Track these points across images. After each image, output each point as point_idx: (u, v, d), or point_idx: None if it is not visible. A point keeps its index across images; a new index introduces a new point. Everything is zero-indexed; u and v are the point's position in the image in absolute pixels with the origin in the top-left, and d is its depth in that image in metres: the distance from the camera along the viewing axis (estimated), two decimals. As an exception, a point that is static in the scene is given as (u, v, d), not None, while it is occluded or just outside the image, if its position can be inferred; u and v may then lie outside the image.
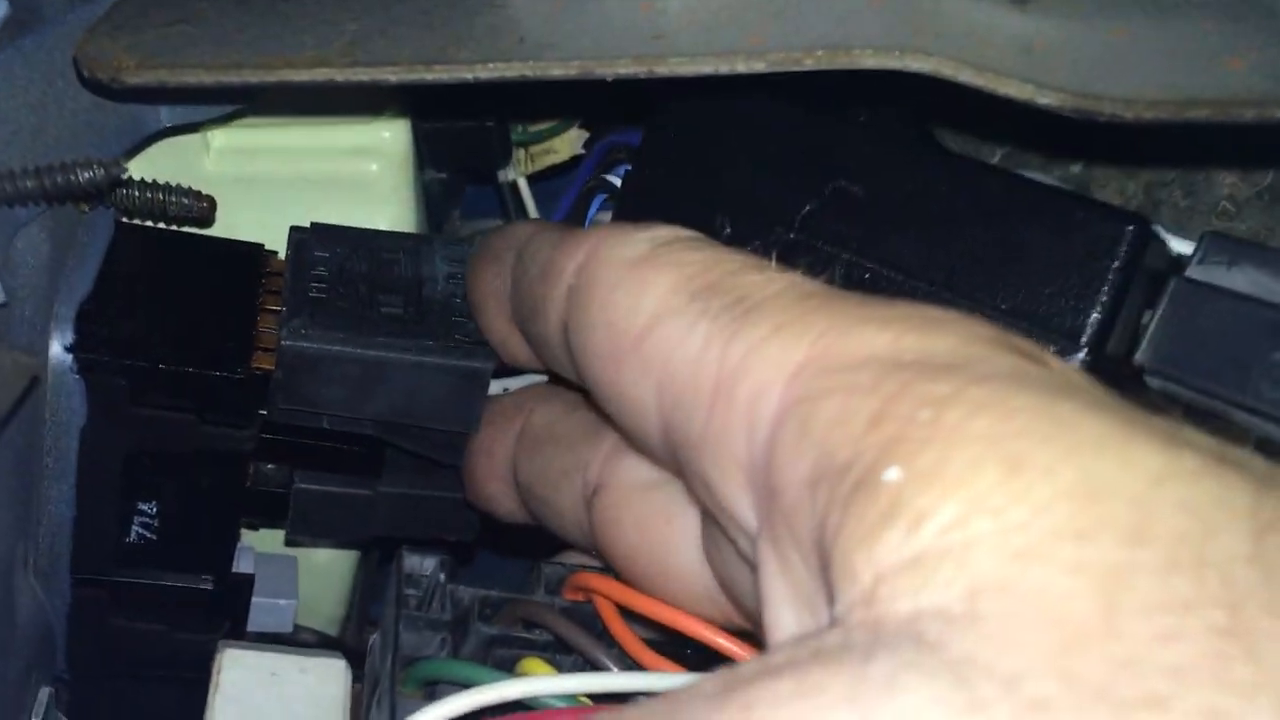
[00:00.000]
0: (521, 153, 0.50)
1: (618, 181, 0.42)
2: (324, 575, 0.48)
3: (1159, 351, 0.30)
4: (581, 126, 0.50)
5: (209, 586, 0.38)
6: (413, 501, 0.40)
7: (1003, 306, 0.30)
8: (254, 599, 0.40)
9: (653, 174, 0.37)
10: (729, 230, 0.34)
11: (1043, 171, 0.51)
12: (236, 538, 0.39)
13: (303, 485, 0.39)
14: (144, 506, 0.36)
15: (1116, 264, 0.29)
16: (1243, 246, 0.30)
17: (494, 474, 0.35)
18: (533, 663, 0.29)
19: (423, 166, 0.45)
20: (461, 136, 0.44)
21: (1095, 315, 0.29)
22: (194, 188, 0.37)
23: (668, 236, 0.26)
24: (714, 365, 0.22)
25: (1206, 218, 0.46)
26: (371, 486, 0.40)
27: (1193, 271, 0.30)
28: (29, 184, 0.28)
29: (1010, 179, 0.31)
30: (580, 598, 0.32)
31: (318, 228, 0.39)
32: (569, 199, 0.43)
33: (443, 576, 0.32)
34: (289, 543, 0.41)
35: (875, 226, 0.32)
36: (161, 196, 0.35)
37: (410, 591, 0.31)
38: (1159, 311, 0.30)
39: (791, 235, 0.33)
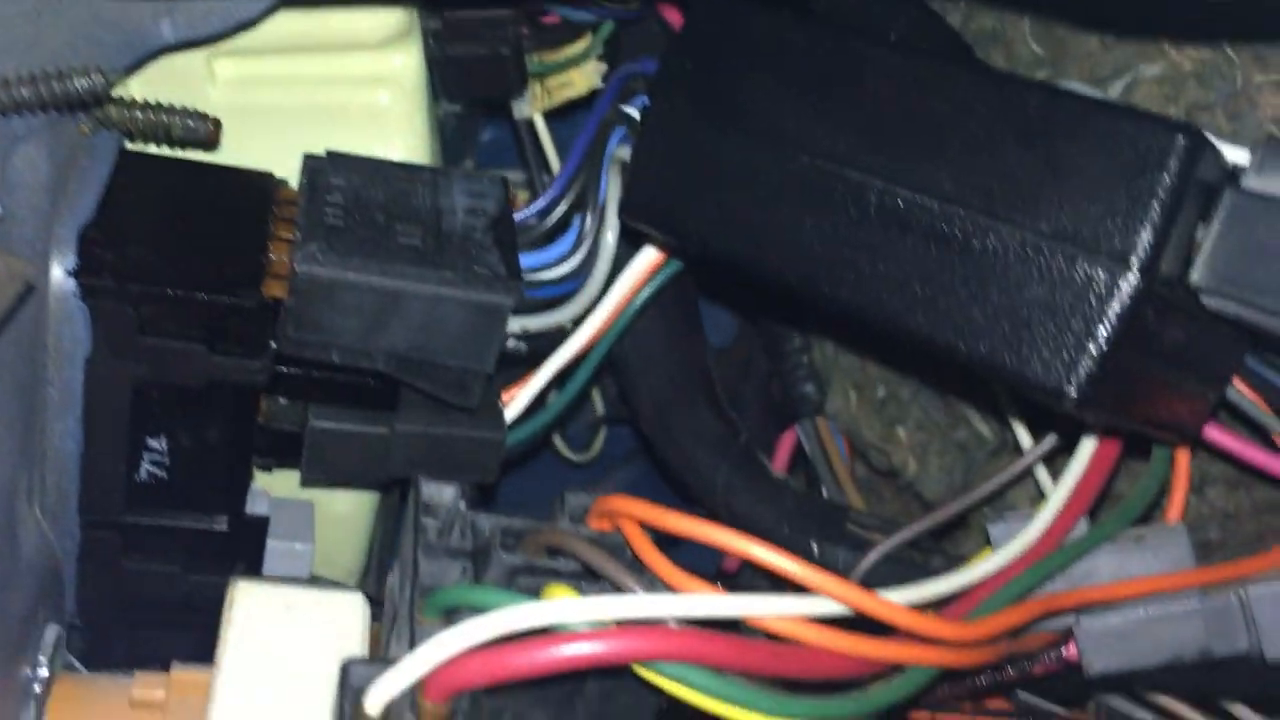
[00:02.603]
0: (538, 88, 0.48)
1: (637, 114, 0.40)
2: (341, 523, 0.46)
3: (1216, 270, 0.28)
4: (599, 59, 0.48)
5: (223, 528, 0.37)
6: (431, 441, 0.39)
7: (1045, 229, 0.28)
8: (270, 543, 0.39)
9: (672, 103, 0.35)
10: (752, 160, 0.33)
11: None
12: (250, 476, 0.38)
13: (317, 423, 0.38)
14: (154, 443, 0.35)
15: (1167, 178, 0.27)
16: None
17: None
18: (558, 589, 0.27)
19: (436, 98, 0.44)
20: (476, 64, 0.43)
21: (1146, 234, 0.27)
22: (200, 112, 0.36)
23: None
24: None
25: (1250, 142, 0.44)
26: (389, 425, 0.38)
27: (1250, 182, 0.28)
28: (24, 92, 0.27)
29: (1050, 92, 0.29)
30: (607, 525, 0.31)
31: (333, 155, 0.38)
32: (587, 134, 0.41)
33: (462, 505, 0.31)
34: (305, 484, 0.39)
35: (907, 151, 0.30)
36: (165, 118, 0.34)
37: (428, 520, 0.30)
38: (1214, 227, 0.28)
39: (818, 163, 0.31)
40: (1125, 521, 0.35)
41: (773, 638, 0.28)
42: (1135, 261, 0.27)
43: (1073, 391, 0.27)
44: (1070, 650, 0.35)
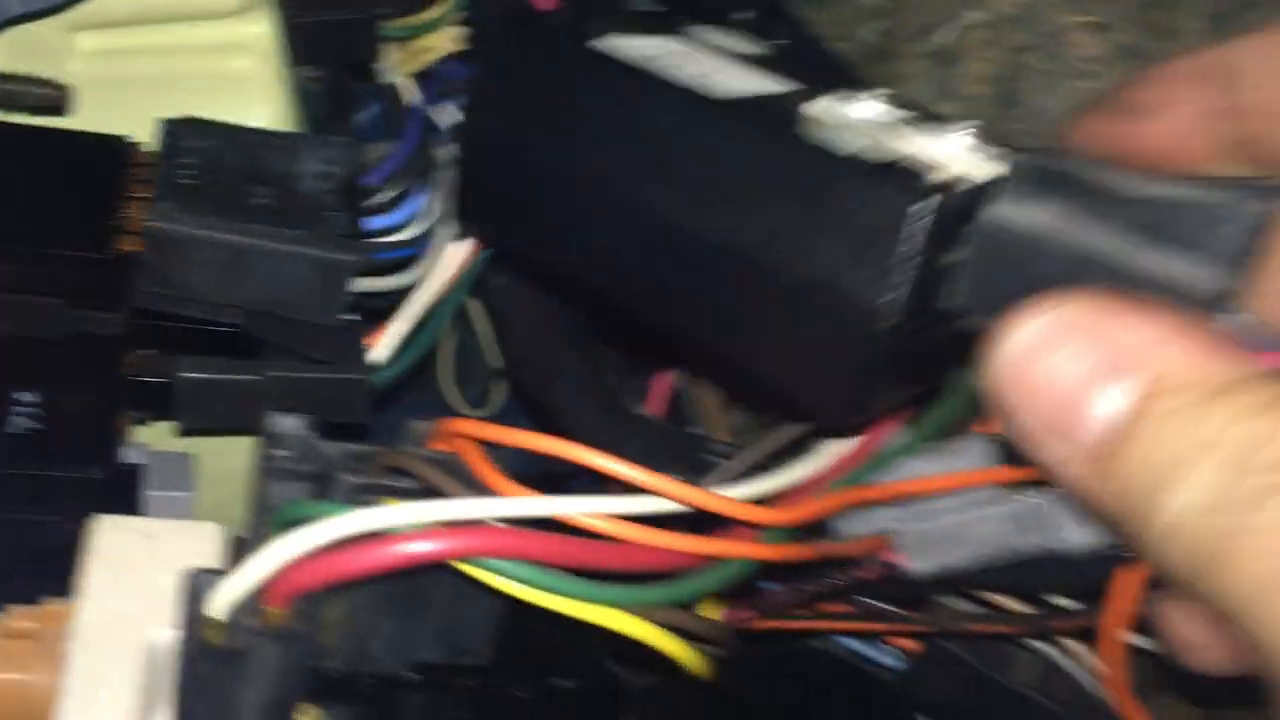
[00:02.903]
0: (401, 53, 0.51)
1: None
2: (232, 478, 0.48)
3: (967, 296, 0.30)
4: (461, 22, 0.50)
5: (98, 475, 0.39)
6: (299, 384, 0.41)
7: (810, 277, 0.30)
8: (149, 493, 0.41)
9: (488, 125, 0.35)
10: (564, 194, 0.34)
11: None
12: (120, 426, 0.40)
13: (185, 374, 0.40)
14: (23, 395, 0.37)
15: (912, 238, 0.29)
16: (1060, 179, 0.29)
17: None
18: (392, 502, 0.30)
19: (295, 65, 0.46)
20: (328, 30, 0.45)
21: (892, 287, 0.29)
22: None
23: None
24: None
25: (1068, 79, 0.47)
26: (258, 370, 0.40)
27: (1000, 207, 0.29)
28: None
29: (820, 155, 0.30)
30: (447, 446, 0.33)
31: (190, 120, 0.40)
32: (418, 110, 0.43)
33: (309, 433, 0.33)
34: (183, 433, 0.41)
35: (695, 191, 0.32)
36: (15, 86, 0.36)
37: (276, 450, 0.32)
38: (969, 254, 0.30)
39: (620, 196, 0.33)
40: (937, 430, 0.38)
41: (593, 536, 0.30)
42: (883, 310, 0.29)
43: (844, 421, 0.32)
44: (892, 555, 0.38)
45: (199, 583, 0.28)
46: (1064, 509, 0.36)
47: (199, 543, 0.32)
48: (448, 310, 0.43)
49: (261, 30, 0.44)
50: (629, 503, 0.31)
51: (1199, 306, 0.27)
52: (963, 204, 0.30)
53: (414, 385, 0.62)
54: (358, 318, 0.45)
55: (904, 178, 0.29)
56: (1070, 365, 0.25)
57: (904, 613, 0.41)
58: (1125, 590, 0.34)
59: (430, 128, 0.41)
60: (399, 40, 0.49)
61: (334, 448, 0.33)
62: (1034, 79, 0.50)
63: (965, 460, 0.38)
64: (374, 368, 0.42)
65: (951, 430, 0.40)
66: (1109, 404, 0.25)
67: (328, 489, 0.32)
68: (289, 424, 0.33)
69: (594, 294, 0.35)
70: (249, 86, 0.44)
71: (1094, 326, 0.25)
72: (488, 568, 0.29)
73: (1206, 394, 0.24)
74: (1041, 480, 0.37)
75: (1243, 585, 0.22)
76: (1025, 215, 0.29)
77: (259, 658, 0.28)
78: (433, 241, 0.41)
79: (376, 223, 0.40)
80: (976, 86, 0.50)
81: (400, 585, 0.31)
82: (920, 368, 0.33)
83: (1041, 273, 0.28)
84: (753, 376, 0.33)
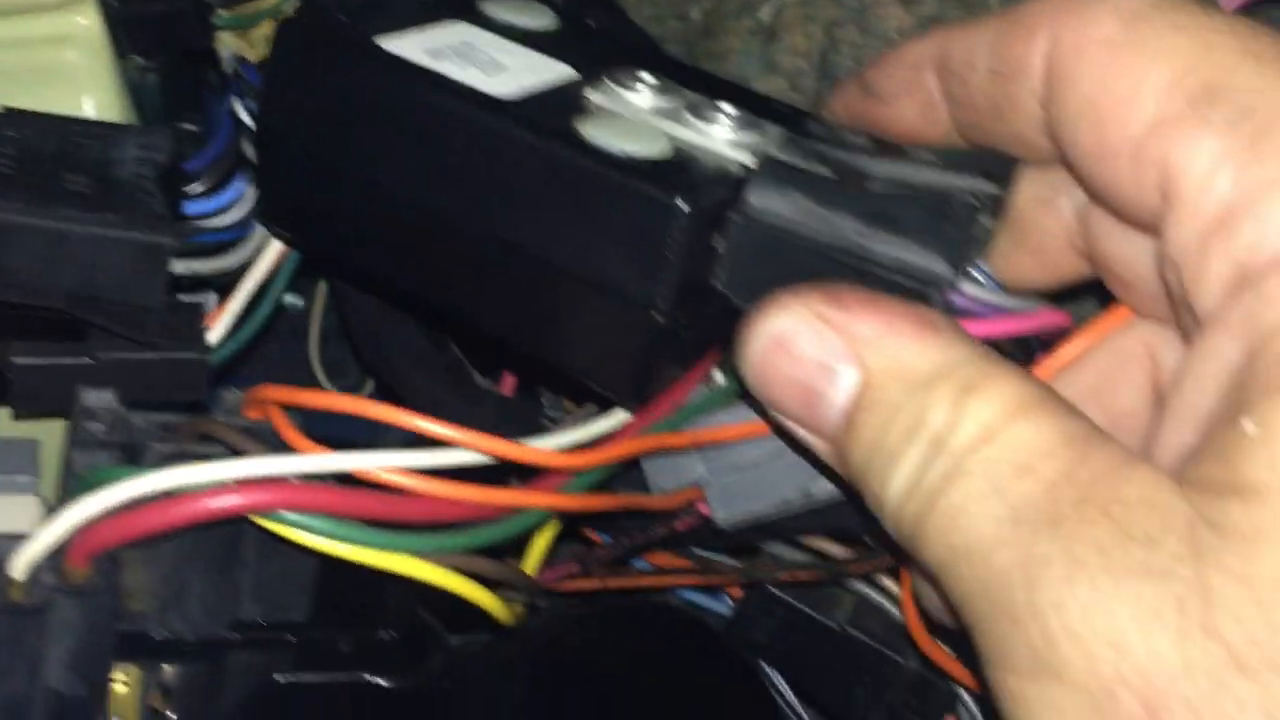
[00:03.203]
0: (243, 41, 0.52)
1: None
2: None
3: (731, 280, 0.32)
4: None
5: (-70, 460, 0.39)
6: (134, 366, 0.42)
7: (587, 276, 0.32)
8: (-10, 478, 0.42)
9: (279, 128, 0.37)
10: (354, 196, 0.35)
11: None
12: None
13: (16, 359, 0.40)
14: None
15: (672, 237, 0.31)
16: (794, 176, 0.32)
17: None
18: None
19: (124, 55, 0.47)
20: (155, 20, 0.46)
21: (660, 279, 0.31)
22: None
23: (1131, 7, 0.26)
24: (1220, 194, 0.24)
25: (879, 50, 0.49)
26: (91, 354, 0.41)
27: (752, 198, 0.32)
28: None
29: (592, 157, 0.31)
30: (260, 414, 0.35)
31: (9, 111, 0.41)
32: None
33: (119, 406, 0.34)
34: (17, 417, 0.42)
35: (475, 193, 0.33)
36: None
37: (88, 424, 0.34)
38: (726, 242, 0.32)
39: (403, 196, 0.34)
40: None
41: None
42: (655, 301, 0.32)
43: (632, 399, 0.34)
44: (703, 506, 0.40)
45: (1, 547, 0.29)
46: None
47: (15, 514, 0.33)
48: (279, 286, 0.44)
49: (88, 22, 0.44)
50: (424, 456, 0.32)
51: (932, 288, 0.29)
52: (722, 197, 0.32)
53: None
54: (201, 302, 0.47)
55: (668, 179, 0.31)
56: (805, 358, 0.28)
57: (725, 562, 0.44)
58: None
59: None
60: (236, 29, 0.50)
61: (144, 418, 0.34)
62: (847, 51, 0.53)
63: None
64: (210, 348, 0.43)
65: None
66: (839, 394, 0.27)
67: (137, 458, 0.33)
68: (99, 398, 0.34)
69: (395, 292, 0.37)
70: (77, 79, 0.45)
71: (825, 321, 0.28)
72: (287, 522, 0.30)
73: (916, 383, 0.26)
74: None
75: (937, 557, 0.25)
76: (772, 206, 0.31)
77: (60, 614, 0.29)
78: (258, 228, 0.42)
79: (200, 207, 0.42)
80: (795, 60, 0.52)
81: (210, 545, 0.33)
82: (706, 337, 0.35)
83: (790, 260, 0.31)
84: (546, 363, 0.35)
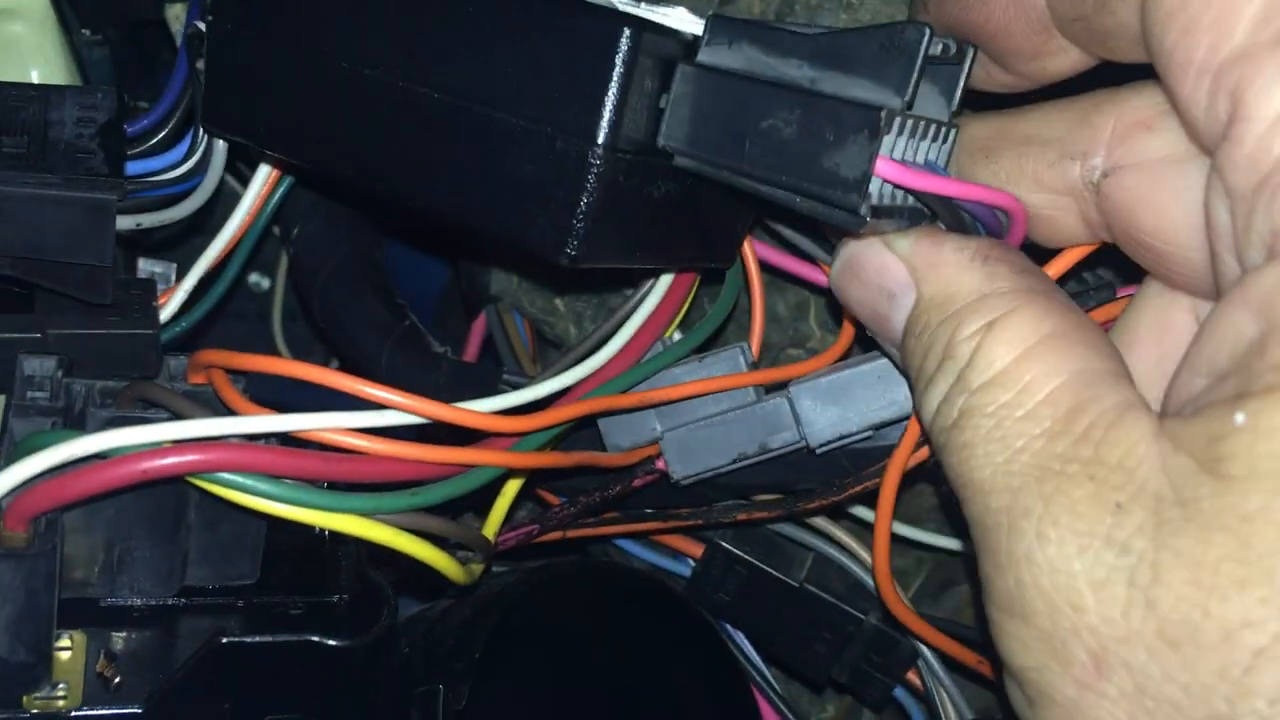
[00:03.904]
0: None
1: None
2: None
3: (674, 134, 0.32)
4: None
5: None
6: (86, 340, 0.42)
7: (531, 114, 0.32)
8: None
9: (227, 17, 0.37)
10: (300, 67, 0.35)
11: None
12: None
13: (-37, 333, 0.40)
14: None
15: (615, 65, 0.31)
16: (742, 26, 0.32)
17: None
18: (132, 428, 0.31)
19: (72, 28, 0.46)
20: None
21: (603, 113, 0.31)
22: None
23: None
24: None
25: (835, 13, 0.49)
26: (40, 329, 0.41)
27: (700, 54, 0.32)
28: None
29: None
30: (203, 379, 0.35)
31: (-59, 79, 0.40)
32: (181, 49, 0.43)
33: (60, 373, 0.34)
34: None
35: (421, 51, 0.33)
36: None
37: (34, 394, 0.33)
38: (671, 97, 0.32)
39: (349, 66, 0.34)
40: (696, 343, 0.40)
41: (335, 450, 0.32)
42: (597, 135, 0.31)
43: (570, 251, 0.32)
44: (660, 462, 0.40)
45: (-62, 514, 0.29)
46: (807, 406, 0.38)
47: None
48: (238, 261, 0.44)
49: (34, -7, 0.44)
50: (366, 417, 0.32)
51: (879, 121, 0.29)
52: (669, 48, 0.32)
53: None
54: (153, 278, 0.46)
55: (615, 15, 0.31)
56: (871, 282, 0.32)
57: (679, 512, 0.43)
58: (890, 483, 0.37)
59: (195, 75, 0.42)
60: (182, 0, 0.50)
61: (84, 385, 0.34)
62: (801, 12, 0.52)
63: (719, 369, 0.40)
64: (165, 322, 0.43)
65: (715, 342, 0.42)
66: (898, 316, 0.31)
67: (78, 424, 0.33)
68: (40, 365, 0.34)
69: (335, 174, 0.36)
70: (25, 51, 0.44)
71: (890, 249, 0.31)
72: (228, 484, 0.30)
73: (951, 312, 0.29)
74: (785, 382, 0.39)
75: (953, 484, 0.28)
76: (721, 61, 0.32)
77: (-3, 578, 0.29)
78: (207, 176, 0.42)
79: (148, 165, 0.41)
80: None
81: (154, 511, 0.33)
82: (643, 224, 0.34)
83: (737, 112, 0.31)
84: (481, 226, 0.34)
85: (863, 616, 0.43)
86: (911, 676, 0.44)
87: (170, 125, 0.42)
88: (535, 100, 0.32)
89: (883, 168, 0.29)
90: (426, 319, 0.52)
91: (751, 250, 0.40)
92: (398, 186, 0.34)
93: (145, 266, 0.48)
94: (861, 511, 0.44)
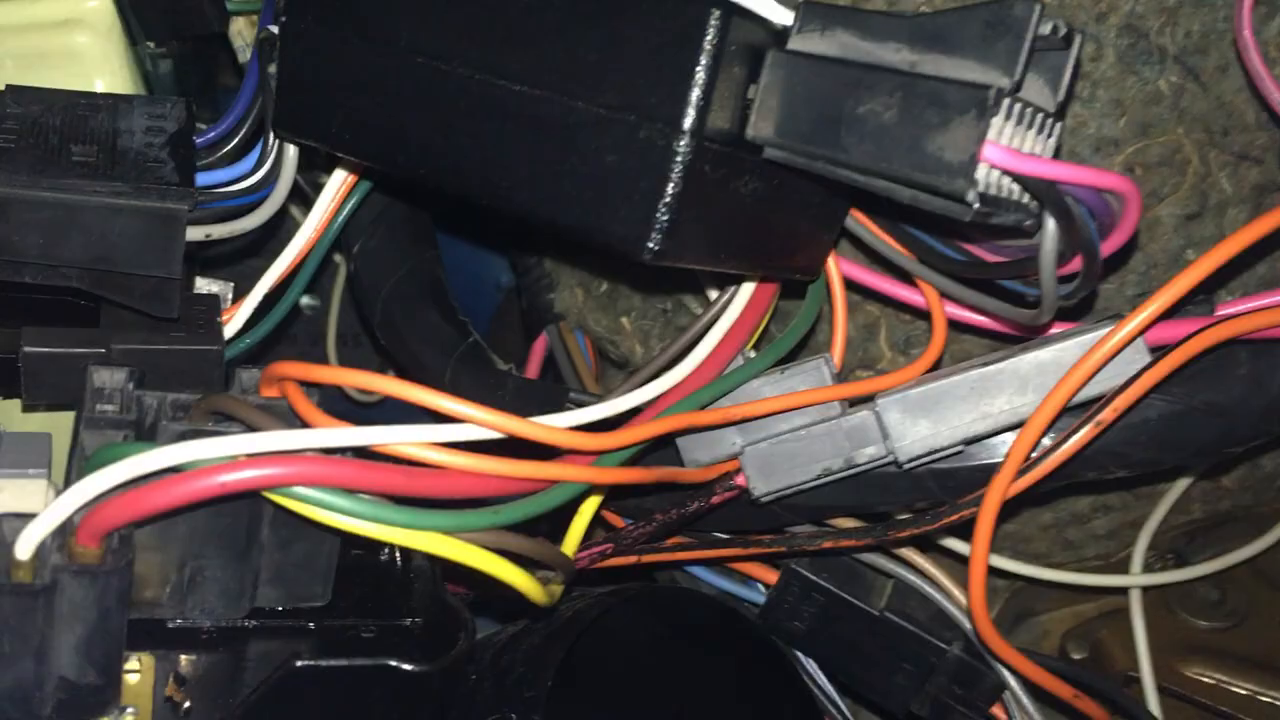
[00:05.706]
0: (249, 25, 0.51)
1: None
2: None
3: (764, 125, 0.31)
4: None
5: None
6: (149, 356, 0.41)
7: (612, 102, 0.30)
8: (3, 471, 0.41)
9: (302, 18, 0.36)
10: (376, 65, 0.35)
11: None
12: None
13: (29, 347, 0.39)
14: None
15: (704, 48, 0.29)
16: (836, 11, 0.31)
17: None
18: (206, 441, 0.30)
19: (137, 40, 0.46)
20: (168, 5, 0.45)
21: (690, 100, 0.29)
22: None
23: None
24: None
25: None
26: (104, 344, 0.40)
27: (791, 43, 0.31)
28: None
29: None
30: (276, 392, 0.34)
31: (12, 88, 0.40)
32: (254, 57, 0.43)
33: (131, 386, 0.33)
34: (26, 408, 0.41)
35: (496, 43, 0.32)
36: None
37: (100, 405, 0.32)
38: (761, 86, 0.31)
39: (426, 62, 0.33)
40: (777, 356, 0.39)
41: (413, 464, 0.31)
42: (684, 123, 0.30)
43: (651, 246, 0.30)
44: (740, 478, 0.39)
45: (8, 529, 0.28)
46: (895, 419, 0.37)
47: (24, 495, 0.32)
48: (304, 278, 0.43)
49: (99, 5, 0.44)
50: (445, 431, 0.31)
51: (987, 100, 0.27)
52: (758, 35, 0.31)
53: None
54: (218, 294, 0.45)
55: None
56: None
57: (760, 539, 0.42)
58: (989, 511, 0.35)
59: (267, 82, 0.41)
60: (250, 15, 0.49)
61: (156, 398, 0.33)
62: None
63: (802, 382, 0.38)
64: (228, 340, 0.42)
65: (794, 356, 0.40)
66: None
67: (149, 437, 0.32)
68: (111, 377, 0.33)
69: (407, 175, 0.35)
70: (90, 62, 0.44)
71: None
72: (304, 499, 0.29)
73: None
74: (871, 395, 0.38)
75: None
76: (813, 45, 0.30)
77: (69, 596, 0.28)
78: (277, 187, 0.41)
79: (222, 174, 0.41)
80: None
81: (227, 530, 0.31)
82: (728, 222, 0.33)
83: (829, 96, 0.30)
84: (555, 221, 0.32)
85: (946, 647, 0.41)
86: (996, 710, 0.42)
87: (240, 135, 0.41)
88: (618, 87, 0.30)
89: (990, 152, 0.27)
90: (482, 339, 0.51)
91: (835, 263, 0.39)
92: (475, 184, 0.33)
93: (202, 286, 0.47)
94: (947, 539, 0.43)
